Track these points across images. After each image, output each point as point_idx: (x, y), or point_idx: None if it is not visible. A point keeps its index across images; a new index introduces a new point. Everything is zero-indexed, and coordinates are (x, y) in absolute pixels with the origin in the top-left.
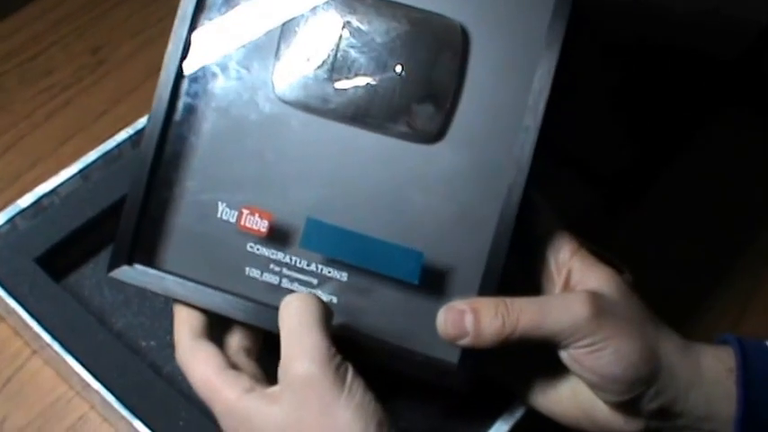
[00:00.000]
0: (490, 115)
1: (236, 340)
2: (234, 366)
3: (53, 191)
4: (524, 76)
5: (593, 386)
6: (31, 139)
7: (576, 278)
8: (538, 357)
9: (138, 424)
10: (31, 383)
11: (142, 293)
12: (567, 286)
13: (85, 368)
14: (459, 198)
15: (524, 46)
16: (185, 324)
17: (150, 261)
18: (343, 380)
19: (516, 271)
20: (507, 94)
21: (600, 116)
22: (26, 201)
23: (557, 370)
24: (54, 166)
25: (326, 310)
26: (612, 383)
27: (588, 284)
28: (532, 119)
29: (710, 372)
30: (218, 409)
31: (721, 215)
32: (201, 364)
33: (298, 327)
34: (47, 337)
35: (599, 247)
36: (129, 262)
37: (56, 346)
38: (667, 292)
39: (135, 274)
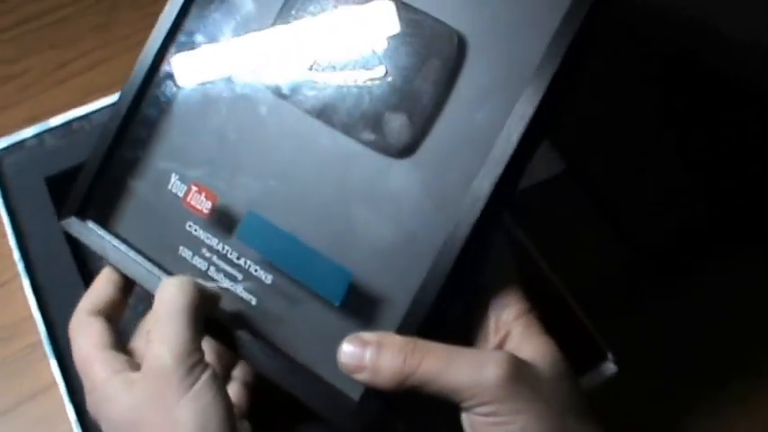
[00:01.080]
0: (464, 140)
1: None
2: (129, 350)
3: (85, 116)
4: (508, 104)
5: None
6: (119, 60)
7: (513, 344)
8: (445, 419)
9: (55, 369)
10: (10, 298)
11: None
12: (500, 349)
13: (36, 298)
14: (405, 224)
15: (518, 71)
16: (92, 296)
17: (99, 218)
18: (194, 379)
19: (455, 320)
20: (487, 121)
21: (652, 169)
22: (57, 120)
23: None
24: None
25: (203, 301)
26: None
27: (522, 353)
28: (500, 152)
29: None
30: (87, 385)
31: None
32: (85, 338)
33: (165, 314)
34: (16, 255)
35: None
36: (79, 215)
37: (20, 267)
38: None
39: (80, 228)
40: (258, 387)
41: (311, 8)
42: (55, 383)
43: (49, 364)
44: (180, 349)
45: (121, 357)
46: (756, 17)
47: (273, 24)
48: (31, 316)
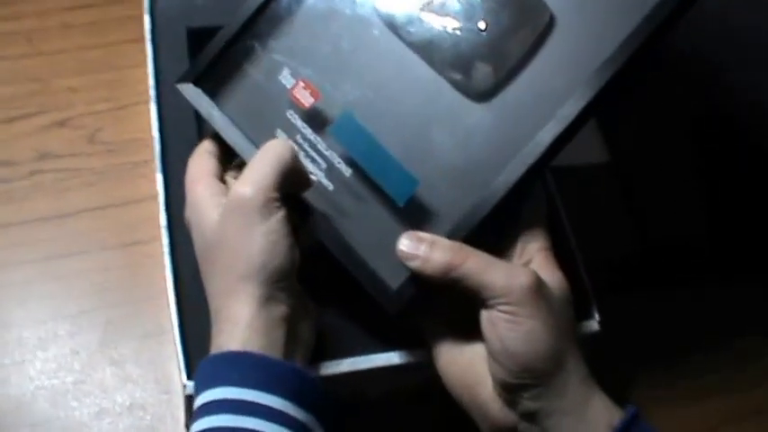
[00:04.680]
0: (537, 97)
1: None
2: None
3: None
4: (582, 75)
5: (492, 354)
6: None
7: (533, 269)
8: (459, 321)
9: (159, 183)
10: (130, 119)
11: None
12: None
13: (158, 121)
14: (472, 155)
15: (594, 55)
16: (208, 143)
17: (211, 90)
18: (269, 214)
19: (489, 238)
20: (560, 84)
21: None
22: None
23: (469, 337)
24: None
25: (295, 165)
26: (509, 358)
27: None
28: (565, 115)
29: (594, 415)
30: (188, 197)
31: None
32: (199, 165)
33: (260, 160)
34: (151, 82)
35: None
36: (196, 83)
37: (152, 93)
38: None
39: (194, 94)
40: (310, 254)
41: None
42: (146, 198)
43: (145, 182)
44: (261, 186)
45: (220, 185)
46: None
47: None
48: (142, 138)
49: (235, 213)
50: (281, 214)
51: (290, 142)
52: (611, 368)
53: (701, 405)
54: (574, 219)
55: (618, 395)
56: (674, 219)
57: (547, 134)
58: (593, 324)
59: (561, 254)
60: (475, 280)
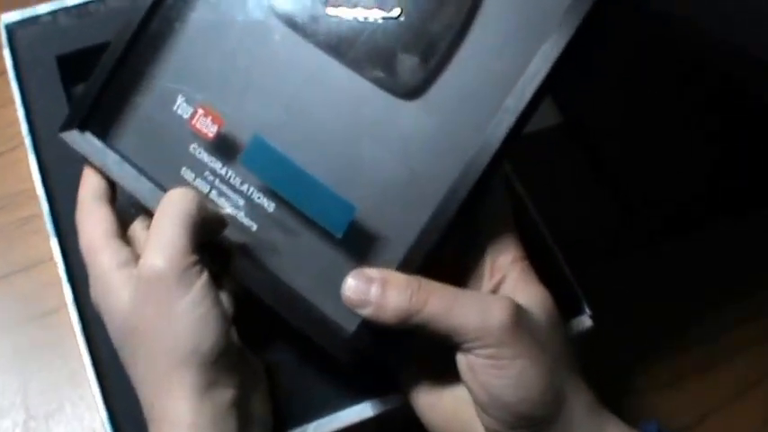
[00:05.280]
0: (476, 86)
1: (145, 222)
2: (129, 238)
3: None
4: (525, 56)
5: (479, 404)
6: None
7: (508, 288)
8: (435, 356)
9: (55, 246)
10: (13, 168)
11: None
12: (495, 293)
13: (41, 174)
14: (413, 165)
15: (536, 24)
16: (90, 184)
17: (101, 132)
18: (190, 284)
19: (450, 261)
20: (501, 69)
21: (663, 147)
22: (75, 0)
23: (448, 377)
24: None
25: (203, 215)
26: (499, 409)
27: (517, 298)
28: (516, 102)
29: None
30: (92, 272)
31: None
32: (92, 225)
33: (163, 219)
34: (24, 128)
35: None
36: (81, 128)
37: (27, 141)
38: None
39: (82, 141)
40: (245, 296)
41: None
42: (46, 260)
43: (41, 239)
44: (174, 254)
45: (126, 250)
46: None
47: None
48: (27, 189)
49: (149, 292)
50: (203, 279)
51: (191, 189)
52: (607, 356)
53: (703, 383)
54: (537, 197)
55: (617, 385)
56: (662, 176)
57: (498, 127)
58: (586, 320)
59: (534, 249)
60: (442, 324)
